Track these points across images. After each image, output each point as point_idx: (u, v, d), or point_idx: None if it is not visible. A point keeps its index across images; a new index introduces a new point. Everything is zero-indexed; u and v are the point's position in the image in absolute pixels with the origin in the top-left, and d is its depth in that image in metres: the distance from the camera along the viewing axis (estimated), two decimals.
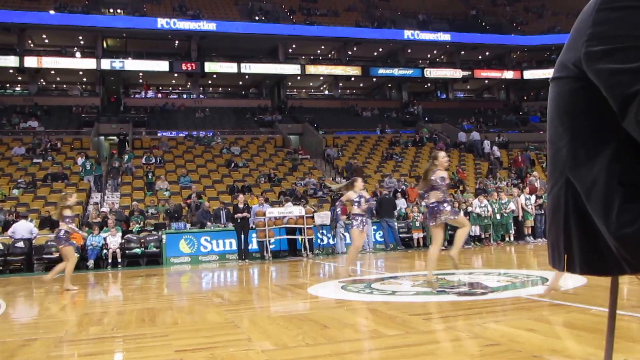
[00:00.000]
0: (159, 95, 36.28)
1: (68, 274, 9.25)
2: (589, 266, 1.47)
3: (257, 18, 35.55)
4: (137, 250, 15.73)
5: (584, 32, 1.36)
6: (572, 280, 6.53)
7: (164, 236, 15.67)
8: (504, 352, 3.36)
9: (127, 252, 15.61)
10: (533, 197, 17.14)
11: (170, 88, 38.33)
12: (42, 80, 34.60)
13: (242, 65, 33.98)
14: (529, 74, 38.49)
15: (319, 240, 16.83)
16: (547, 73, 36.38)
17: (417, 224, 16.80)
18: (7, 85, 34.97)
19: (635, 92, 1.23)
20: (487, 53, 39.85)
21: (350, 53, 37.42)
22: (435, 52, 39.86)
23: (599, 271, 1.47)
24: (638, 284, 5.23)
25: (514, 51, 39.49)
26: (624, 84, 1.26)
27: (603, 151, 1.38)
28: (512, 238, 17.02)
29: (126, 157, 23.59)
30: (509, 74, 38.94)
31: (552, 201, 1.54)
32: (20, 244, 15.09)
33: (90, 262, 14.98)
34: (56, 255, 15.15)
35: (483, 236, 16.92)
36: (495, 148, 28.26)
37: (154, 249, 15.81)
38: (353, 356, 3.55)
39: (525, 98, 41.12)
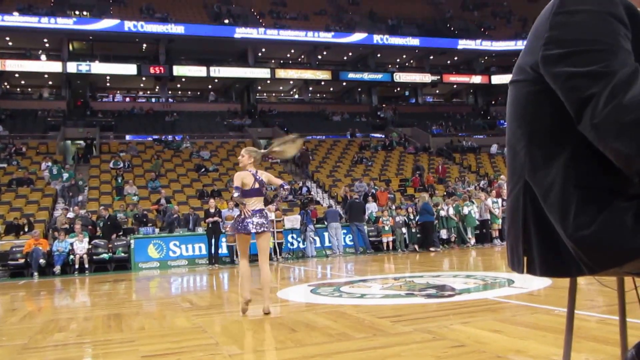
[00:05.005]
0: (127, 99, 35.79)
1: None
2: (548, 268, 1.48)
3: (226, 21, 35.35)
4: (105, 256, 15.50)
5: (541, 35, 1.38)
6: (537, 282, 6.63)
7: (132, 241, 15.47)
8: (469, 353, 3.40)
9: (94, 257, 15.37)
10: (500, 200, 17.38)
11: (139, 92, 37.89)
12: (5, 84, 33.91)
13: (212, 69, 33.76)
14: (496, 79, 38.94)
15: (289, 244, 16.80)
16: None
17: (387, 227, 16.89)
18: None
19: (591, 96, 1.26)
20: (455, 58, 40.25)
21: (320, 57, 37.49)
22: (404, 56, 40.14)
23: (558, 273, 1.48)
24: (598, 284, 5.34)
25: (482, 56, 39.95)
26: (579, 87, 1.28)
27: (560, 154, 1.40)
28: (464, 241, 17.31)
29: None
30: (477, 79, 39.47)
31: (511, 204, 1.55)
32: None
33: (57, 268, 14.68)
34: (21, 261, 14.88)
35: (452, 239, 17.12)
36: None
37: (122, 254, 15.59)
38: (320, 359, 3.55)
39: (493, 102, 41.63)
